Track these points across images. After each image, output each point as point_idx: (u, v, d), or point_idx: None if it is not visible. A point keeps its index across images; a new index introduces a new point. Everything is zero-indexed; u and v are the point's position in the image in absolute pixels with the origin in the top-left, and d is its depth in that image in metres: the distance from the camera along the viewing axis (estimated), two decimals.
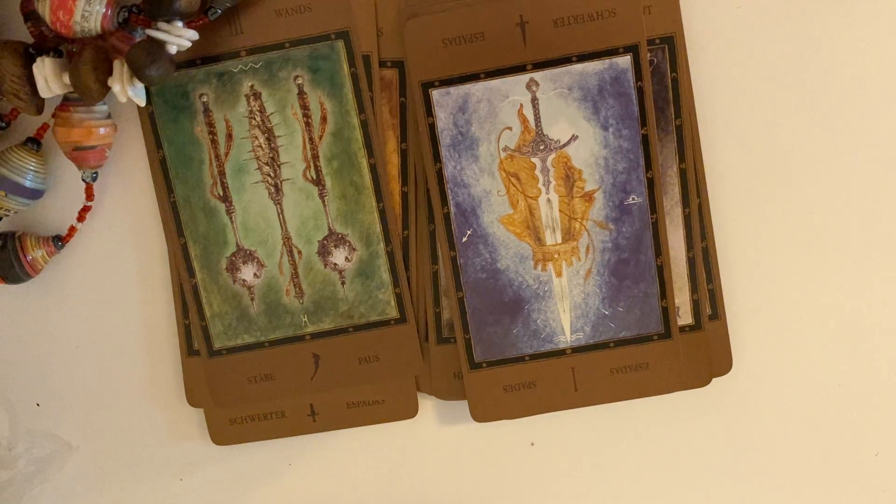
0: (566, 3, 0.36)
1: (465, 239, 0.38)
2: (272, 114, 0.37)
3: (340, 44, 0.37)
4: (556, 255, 0.38)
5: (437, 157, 0.37)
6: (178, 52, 0.34)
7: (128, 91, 0.34)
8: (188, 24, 0.34)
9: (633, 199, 0.37)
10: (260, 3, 0.36)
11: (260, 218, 0.38)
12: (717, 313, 0.39)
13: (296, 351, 0.38)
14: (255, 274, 0.38)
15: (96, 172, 0.37)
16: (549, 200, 0.38)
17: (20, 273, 0.37)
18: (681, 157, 0.38)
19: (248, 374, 0.38)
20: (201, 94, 0.37)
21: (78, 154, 0.36)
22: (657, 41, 0.37)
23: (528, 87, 0.37)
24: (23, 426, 0.40)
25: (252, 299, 0.38)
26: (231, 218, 0.38)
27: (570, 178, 0.37)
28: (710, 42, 0.38)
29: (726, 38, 0.38)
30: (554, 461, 0.40)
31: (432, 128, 0.37)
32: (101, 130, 0.36)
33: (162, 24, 0.34)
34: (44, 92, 0.34)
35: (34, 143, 0.36)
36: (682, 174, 0.38)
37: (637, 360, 0.38)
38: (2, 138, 0.37)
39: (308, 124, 0.37)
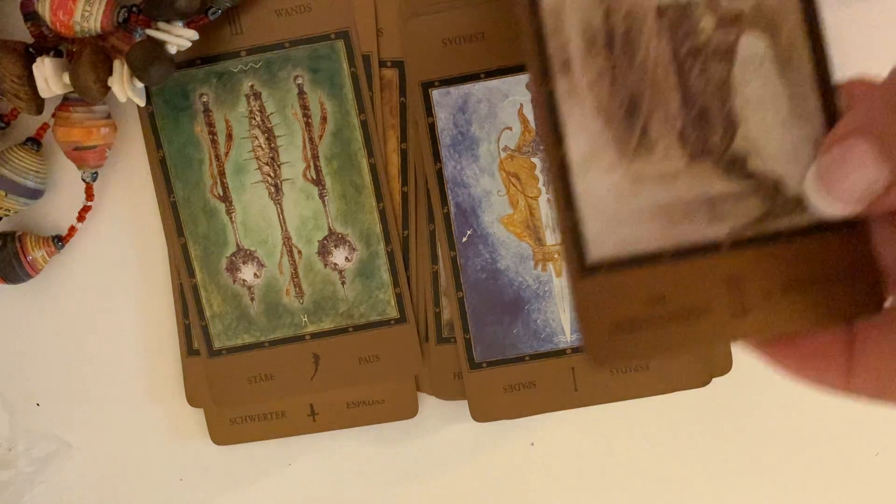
0: None
1: (465, 239, 0.38)
2: (272, 114, 0.37)
3: (340, 44, 0.37)
4: (556, 255, 0.38)
5: (437, 157, 0.37)
6: (178, 52, 0.34)
7: (128, 91, 0.34)
8: (188, 24, 0.34)
9: None
10: (260, 3, 0.36)
11: (260, 218, 0.38)
12: None
13: (296, 351, 0.38)
14: (255, 274, 0.38)
15: (96, 172, 0.37)
16: (549, 200, 0.38)
17: (20, 273, 0.37)
18: None
19: (248, 374, 0.38)
20: (201, 94, 0.37)
21: (78, 154, 0.36)
22: None
23: (528, 87, 0.37)
24: (23, 426, 0.40)
25: (252, 299, 0.38)
26: (231, 218, 0.38)
27: None
28: None
29: None
30: (554, 461, 0.40)
31: (432, 128, 0.37)
32: (101, 130, 0.36)
33: (162, 24, 0.34)
34: (44, 92, 0.34)
35: (34, 143, 0.36)
36: None
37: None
38: (2, 138, 0.37)
39: (308, 124, 0.37)
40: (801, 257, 0.26)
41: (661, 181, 0.26)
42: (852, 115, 0.24)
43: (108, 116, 0.36)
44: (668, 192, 0.26)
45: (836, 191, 0.24)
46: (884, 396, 0.24)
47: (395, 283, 0.38)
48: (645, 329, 0.26)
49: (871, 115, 0.23)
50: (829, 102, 0.27)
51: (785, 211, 0.26)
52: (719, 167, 0.26)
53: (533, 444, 0.40)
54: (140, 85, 0.34)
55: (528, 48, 0.25)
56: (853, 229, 0.26)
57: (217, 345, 0.38)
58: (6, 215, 0.37)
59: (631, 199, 0.26)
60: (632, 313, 0.26)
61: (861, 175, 0.23)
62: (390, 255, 0.38)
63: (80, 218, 0.38)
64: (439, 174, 0.37)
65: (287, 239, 0.38)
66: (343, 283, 0.38)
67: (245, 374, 0.38)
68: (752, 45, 0.26)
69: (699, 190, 0.26)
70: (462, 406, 0.39)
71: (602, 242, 0.26)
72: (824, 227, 0.26)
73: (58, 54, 0.35)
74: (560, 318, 0.38)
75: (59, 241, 0.37)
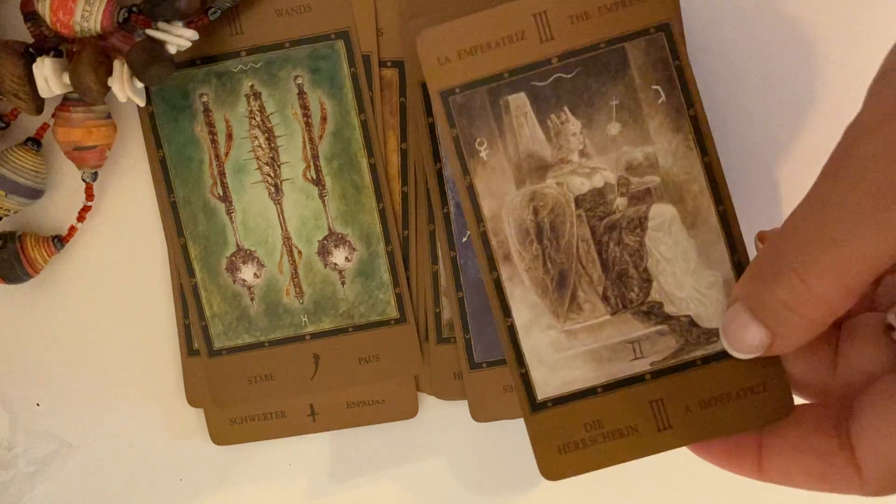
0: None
1: (465, 239, 0.38)
2: (272, 114, 0.37)
3: (340, 44, 0.37)
4: None
5: (436, 157, 0.37)
6: (178, 52, 0.34)
7: (128, 91, 0.34)
8: (188, 24, 0.34)
9: None
10: (260, 3, 0.36)
11: (260, 218, 0.38)
12: None
13: (296, 351, 0.38)
14: (255, 274, 0.38)
15: (96, 172, 0.37)
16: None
17: (20, 273, 0.37)
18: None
19: (248, 374, 0.38)
20: (201, 94, 0.37)
21: (78, 154, 0.36)
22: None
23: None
24: (23, 426, 0.40)
25: (252, 299, 0.38)
26: (231, 218, 0.38)
27: None
28: (710, 42, 0.38)
29: (726, 37, 0.38)
30: None
31: (432, 128, 0.37)
32: (102, 130, 0.36)
33: (162, 24, 0.34)
34: (44, 92, 0.34)
35: (34, 143, 0.36)
36: None
37: None
38: (2, 138, 0.37)
39: (308, 124, 0.37)
40: (715, 378, 0.32)
41: (590, 332, 0.32)
42: (740, 282, 0.29)
43: (108, 116, 0.36)
44: (597, 340, 0.32)
45: (734, 344, 0.30)
46: (790, 486, 0.30)
47: (395, 283, 0.38)
48: (586, 448, 0.32)
49: (746, 284, 0.29)
50: (736, 248, 0.32)
51: (699, 342, 0.32)
52: (638, 316, 0.32)
53: None
54: (140, 85, 0.34)
55: (476, 246, 0.33)
56: None
57: (217, 345, 0.38)
58: (6, 215, 0.37)
59: (567, 350, 0.32)
60: (575, 437, 0.32)
61: (746, 333, 0.29)
62: (390, 255, 0.38)
63: (80, 218, 0.38)
64: (439, 174, 0.37)
65: (287, 239, 0.38)
66: (343, 283, 0.38)
67: (245, 374, 0.38)
68: (661, 213, 0.32)
69: (623, 336, 0.32)
70: (462, 406, 0.39)
71: (547, 385, 0.33)
72: None
73: (58, 54, 0.34)
74: None
75: (59, 241, 0.37)
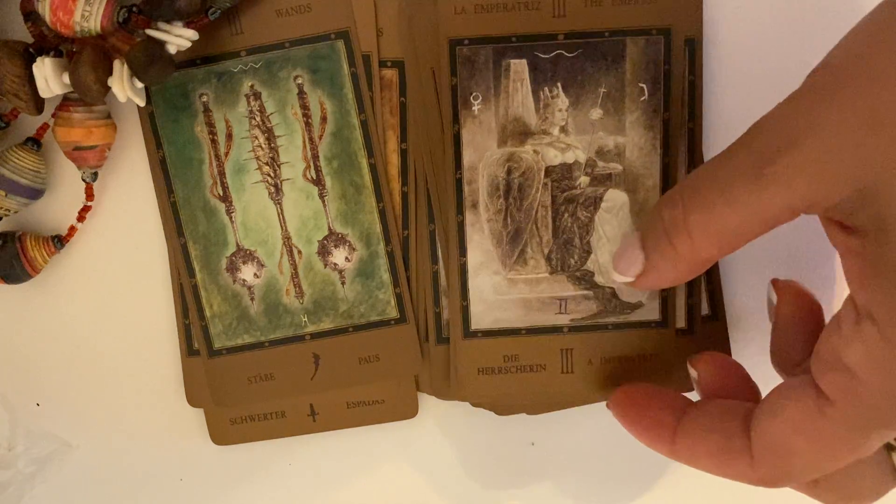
0: None
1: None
2: (272, 114, 0.37)
3: (340, 44, 0.37)
4: None
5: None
6: (178, 52, 0.34)
7: (128, 91, 0.34)
8: (188, 24, 0.34)
9: None
10: (260, 3, 0.36)
11: (260, 218, 0.38)
12: (717, 314, 0.38)
13: (296, 351, 0.38)
14: (255, 274, 0.38)
15: (96, 172, 0.37)
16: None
17: (20, 273, 0.37)
18: (690, 159, 0.37)
19: (248, 374, 0.38)
20: (201, 94, 0.37)
21: (78, 154, 0.36)
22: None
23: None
24: (23, 426, 0.40)
25: (252, 299, 0.38)
26: (231, 218, 0.38)
27: None
28: (716, 42, 0.38)
29: (733, 38, 0.38)
30: (554, 461, 0.40)
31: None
32: (102, 130, 0.36)
33: (162, 24, 0.34)
34: (44, 92, 0.34)
35: (34, 143, 0.36)
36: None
37: None
38: (2, 138, 0.37)
39: (308, 124, 0.37)
40: (619, 342, 0.37)
41: (528, 284, 0.37)
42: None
43: (108, 116, 0.36)
44: (532, 291, 0.37)
45: (615, 262, 0.32)
46: (694, 464, 0.32)
47: (395, 283, 0.38)
48: (501, 375, 0.37)
49: (645, 219, 0.32)
50: None
51: (615, 312, 0.37)
52: (571, 279, 0.37)
53: (533, 444, 0.40)
54: (140, 85, 0.34)
55: (449, 191, 0.36)
56: (664, 326, 0.37)
57: (217, 345, 0.38)
58: (6, 215, 0.37)
59: (505, 294, 0.37)
60: (494, 364, 0.37)
61: (628, 254, 0.32)
62: (390, 255, 0.38)
63: (80, 218, 0.38)
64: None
65: (287, 239, 0.38)
66: (343, 283, 0.38)
67: (245, 374, 0.38)
68: (614, 198, 0.36)
69: (554, 293, 0.37)
70: (462, 406, 0.39)
71: (481, 319, 0.37)
72: (642, 325, 0.37)
73: (58, 54, 0.34)
74: None
75: (59, 241, 0.37)
